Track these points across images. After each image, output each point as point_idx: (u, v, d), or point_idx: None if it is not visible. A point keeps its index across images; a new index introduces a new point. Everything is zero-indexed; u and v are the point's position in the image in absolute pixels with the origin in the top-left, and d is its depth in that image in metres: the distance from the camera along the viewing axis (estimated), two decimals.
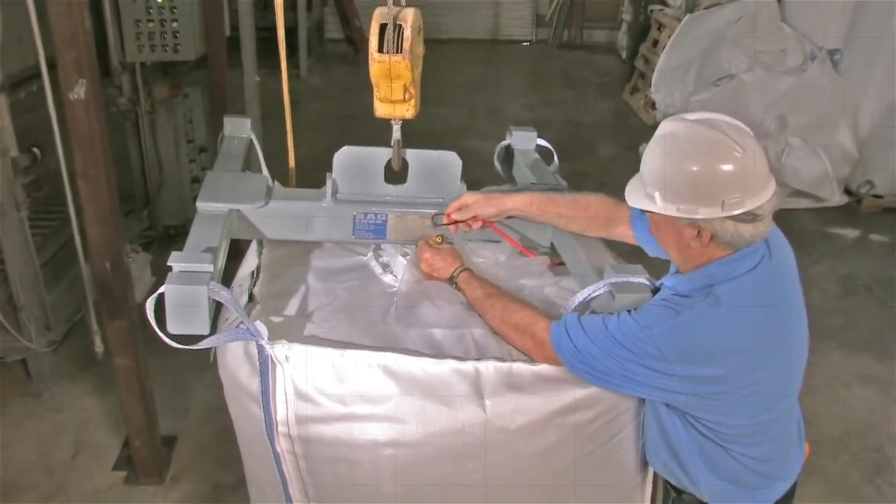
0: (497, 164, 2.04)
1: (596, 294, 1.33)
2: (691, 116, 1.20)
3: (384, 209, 1.66)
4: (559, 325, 1.27)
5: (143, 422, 2.10)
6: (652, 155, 1.22)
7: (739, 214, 1.16)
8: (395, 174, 1.64)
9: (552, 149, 1.99)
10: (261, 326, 1.29)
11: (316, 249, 1.69)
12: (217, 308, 1.36)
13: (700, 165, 1.16)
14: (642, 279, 1.33)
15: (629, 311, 1.24)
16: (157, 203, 3.19)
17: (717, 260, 1.20)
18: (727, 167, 1.15)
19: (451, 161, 1.66)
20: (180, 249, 1.34)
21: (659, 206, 1.20)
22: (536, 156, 2.01)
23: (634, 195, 1.25)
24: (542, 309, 1.44)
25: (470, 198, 1.57)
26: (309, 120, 4.51)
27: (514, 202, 1.56)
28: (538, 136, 1.98)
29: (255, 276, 1.61)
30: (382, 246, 1.73)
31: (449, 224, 1.59)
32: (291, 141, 1.83)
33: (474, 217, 1.56)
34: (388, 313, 1.49)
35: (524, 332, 1.31)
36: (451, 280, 1.51)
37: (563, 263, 1.63)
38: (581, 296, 1.34)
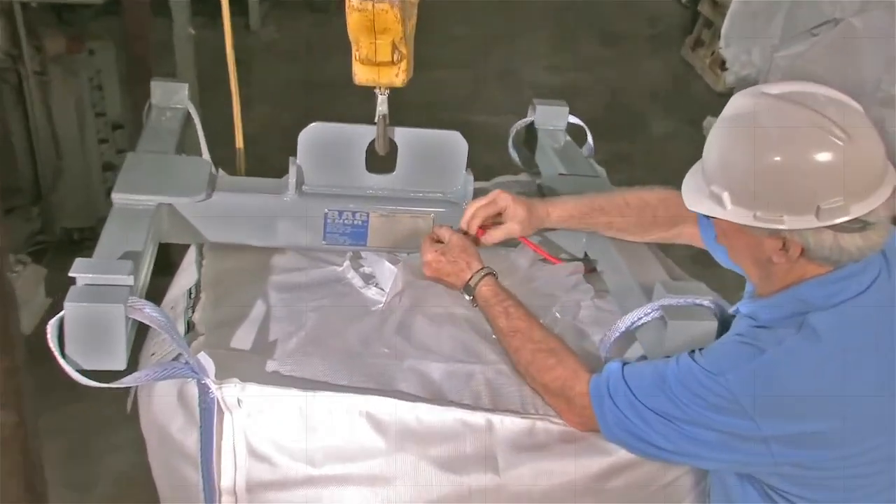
0: (512, 149, 2.10)
1: (641, 321, 1.38)
2: (773, 88, 1.20)
3: (365, 206, 1.71)
4: (599, 383, 1.30)
5: (23, 501, 2.07)
6: (718, 142, 1.23)
7: (842, 223, 1.13)
8: (380, 160, 1.70)
9: (586, 127, 2.05)
10: (205, 359, 1.33)
11: (275, 259, 1.74)
12: (138, 337, 1.39)
13: (785, 157, 1.13)
14: (706, 302, 1.37)
15: (692, 351, 1.26)
16: (52, 198, 3.12)
17: (812, 279, 1.18)
18: (824, 159, 1.11)
19: (453, 143, 1.71)
20: (88, 257, 1.35)
21: (728, 210, 1.21)
22: (567, 137, 2.08)
23: (694, 194, 1.27)
24: (572, 342, 1.49)
25: (510, 202, 1.59)
26: (264, 87, 4.54)
27: (559, 212, 1.61)
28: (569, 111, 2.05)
29: (193, 295, 1.66)
30: (363, 253, 1.78)
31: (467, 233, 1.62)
32: (238, 114, 1.88)
33: (488, 226, 1.61)
34: (374, 341, 1.53)
35: (557, 396, 1.36)
36: (467, 291, 1.54)
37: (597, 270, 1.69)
38: (622, 325, 1.39)
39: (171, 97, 1.92)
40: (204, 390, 1.32)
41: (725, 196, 1.21)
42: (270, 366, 1.45)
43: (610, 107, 4.80)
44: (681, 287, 1.41)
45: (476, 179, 1.77)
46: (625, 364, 1.31)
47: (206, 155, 1.89)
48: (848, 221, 1.13)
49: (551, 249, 1.72)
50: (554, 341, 1.43)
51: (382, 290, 1.66)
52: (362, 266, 1.75)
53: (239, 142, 1.89)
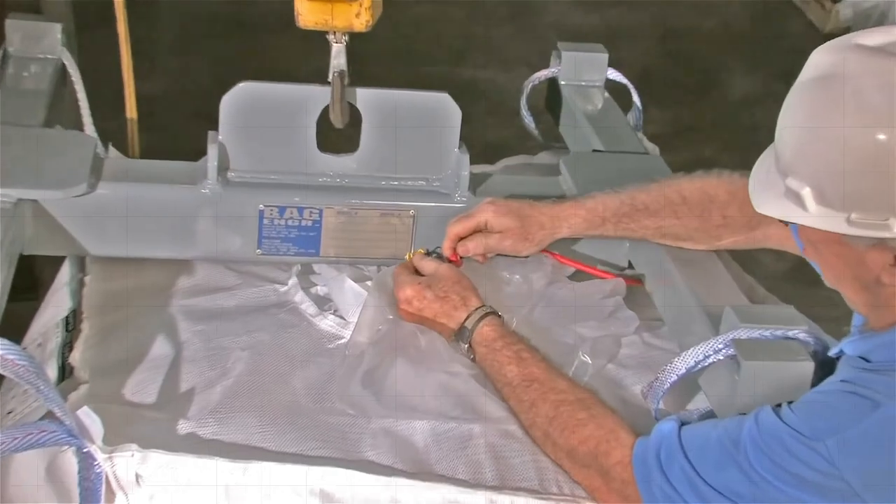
0: (525, 114, 2.13)
1: (706, 363, 1.40)
2: (872, 38, 1.22)
3: (317, 199, 1.73)
4: (647, 450, 1.32)
5: None
6: (795, 116, 1.25)
7: None
8: (338, 135, 1.73)
9: (631, 86, 2.08)
10: (88, 418, 1.36)
11: (189, 275, 1.76)
12: None
13: (892, 136, 1.15)
14: (799, 334, 1.39)
15: (777, 405, 1.28)
16: None
17: None
18: None
19: (440, 110, 1.74)
20: None
21: (812, 212, 1.23)
22: (605, 96, 2.11)
23: (765, 191, 1.30)
24: (608, 395, 1.51)
25: (490, 214, 1.65)
26: (170, 28, 4.53)
27: (573, 221, 1.65)
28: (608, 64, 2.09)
29: (71, 327, 1.68)
30: (315, 268, 1.80)
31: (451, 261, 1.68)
32: (130, 68, 1.91)
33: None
34: (331, 391, 1.55)
35: (588, 466, 1.38)
36: (461, 337, 1.58)
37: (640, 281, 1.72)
38: (679, 367, 1.40)
39: (37, 43, 1.94)
40: (87, 462, 1.33)
41: (807, 193, 1.23)
42: (184, 426, 1.47)
43: (667, 57, 4.83)
44: (761, 313, 1.43)
45: (475, 161, 1.80)
46: (682, 424, 1.33)
47: (89, 128, 1.91)
48: None
49: (583, 259, 1.76)
50: (584, 392, 1.46)
51: (343, 319, 1.68)
52: (315, 285, 1.77)
53: (131, 109, 1.92)
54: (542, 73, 2.11)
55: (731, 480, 1.25)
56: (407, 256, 1.72)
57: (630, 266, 1.77)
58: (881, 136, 1.17)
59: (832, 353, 1.35)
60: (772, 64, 4.81)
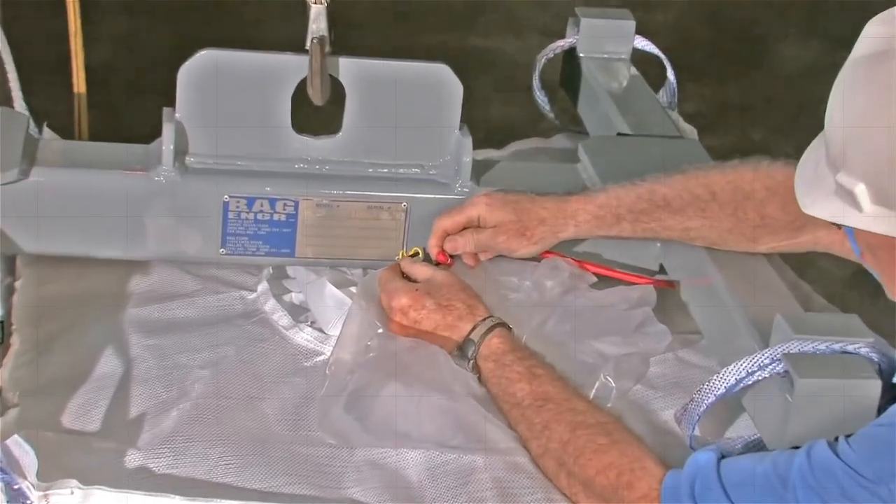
0: (538, 91, 2.15)
1: (752, 380, 1.40)
2: None
3: (292, 189, 1.74)
4: (679, 485, 1.32)
5: None
6: (847, 98, 1.26)
7: None
8: (317, 113, 1.75)
9: (664, 57, 2.10)
10: (19, 448, 1.36)
11: (140, 279, 1.77)
12: None
13: None
14: (863, 348, 1.39)
15: (834, 439, 1.27)
16: None
17: None
18: None
19: (438, 84, 1.75)
20: None
21: (867, 212, 1.24)
22: (633, 71, 2.13)
23: (813, 188, 1.31)
24: (634, 422, 1.51)
25: (483, 207, 1.67)
26: None
27: (580, 218, 1.66)
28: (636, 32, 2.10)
29: (0, 341, 1.68)
30: (290, 271, 1.81)
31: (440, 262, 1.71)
32: (77, 31, 1.93)
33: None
34: (308, 416, 1.56)
35: (607, 500, 1.38)
36: (466, 351, 1.59)
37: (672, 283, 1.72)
38: (719, 386, 1.41)
39: None
40: (17, 500, 1.33)
41: (861, 191, 1.24)
42: (133, 458, 1.47)
43: (708, 22, 4.83)
44: (818, 323, 1.43)
45: (480, 146, 1.82)
46: (722, 456, 1.34)
47: (19, 104, 1.93)
48: None
49: (606, 263, 1.78)
50: (606, 415, 1.47)
51: (323, 332, 1.70)
52: (289, 292, 1.78)
53: (79, 83, 1.93)
54: (558, 44, 2.11)
55: None
56: (399, 255, 1.73)
57: (662, 270, 1.78)
58: None
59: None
60: (833, 29, 4.80)
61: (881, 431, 1.26)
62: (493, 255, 1.73)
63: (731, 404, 1.47)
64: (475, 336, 1.59)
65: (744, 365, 1.40)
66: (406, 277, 1.68)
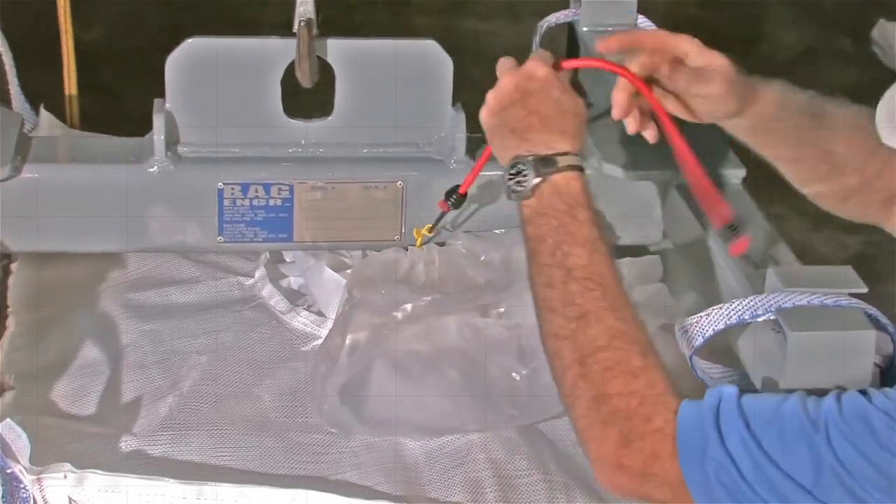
0: None
1: (741, 319, 1.37)
2: None
3: (287, 173, 1.73)
4: (700, 411, 1.24)
5: None
6: None
7: None
8: (307, 96, 1.72)
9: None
10: (12, 432, 1.35)
11: (136, 265, 1.76)
12: None
13: None
14: (855, 301, 1.37)
15: (862, 391, 1.22)
16: None
17: None
18: None
19: (428, 61, 1.74)
20: None
21: None
22: None
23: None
24: None
25: (693, 44, 1.43)
26: None
27: (757, 109, 1.46)
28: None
29: None
30: (287, 256, 1.80)
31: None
32: (67, 19, 1.90)
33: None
34: (304, 401, 1.55)
35: (612, 424, 1.27)
36: (540, 166, 1.35)
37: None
38: (718, 320, 1.37)
39: None
40: (10, 484, 1.32)
41: None
42: (128, 443, 1.47)
43: (704, 3, 4.80)
44: (811, 275, 1.41)
45: (478, 129, 1.78)
46: (743, 393, 1.26)
47: (17, 100, 1.90)
48: None
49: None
50: (645, 333, 1.33)
51: (321, 315, 1.68)
52: (286, 277, 1.77)
53: (69, 71, 1.90)
54: (559, 15, 2.09)
55: (802, 465, 1.19)
56: (415, 235, 1.71)
57: (666, 237, 1.77)
58: None
59: None
60: (829, 13, 4.79)
61: None
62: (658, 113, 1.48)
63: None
64: (563, 161, 1.35)
65: (744, 305, 1.37)
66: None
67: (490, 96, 1.42)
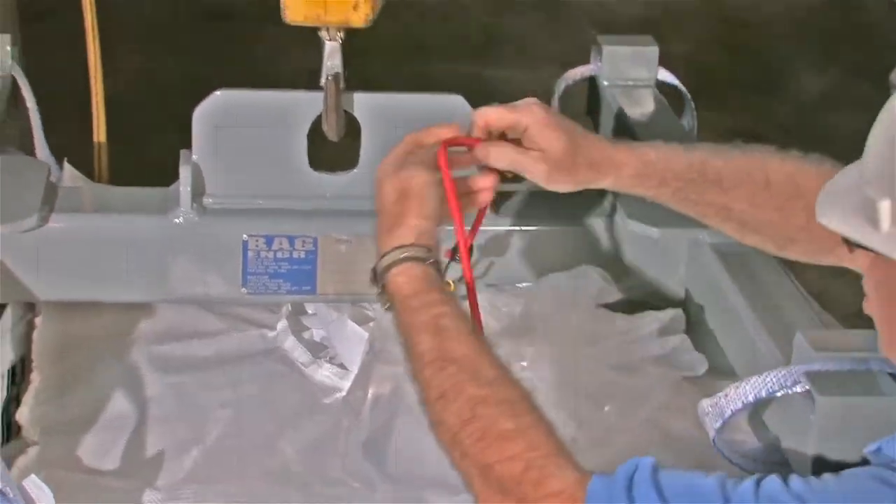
0: None
1: (771, 393, 1.38)
2: None
3: (311, 226, 1.74)
4: (611, 481, 1.20)
5: None
6: (887, 124, 1.18)
7: None
8: (333, 149, 1.73)
9: (682, 87, 2.07)
10: (37, 488, 1.33)
11: (160, 318, 1.76)
12: None
13: None
14: (885, 365, 1.37)
15: (785, 476, 1.20)
16: None
17: None
18: None
19: (452, 115, 1.70)
20: None
21: (884, 231, 1.17)
22: (657, 96, 2.10)
23: (836, 197, 1.24)
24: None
25: (538, 119, 1.46)
26: (131, 16, 4.43)
27: (624, 172, 1.50)
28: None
29: (19, 380, 1.68)
30: (309, 308, 1.79)
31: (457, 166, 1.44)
32: (98, 72, 1.91)
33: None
34: (328, 456, 1.54)
35: (506, 492, 1.23)
36: (373, 278, 1.39)
37: None
38: (748, 393, 1.38)
39: None
40: None
41: (885, 207, 1.17)
42: (152, 499, 1.47)
43: (724, 50, 4.84)
44: (838, 339, 1.41)
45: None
46: (657, 467, 1.22)
47: (42, 152, 1.91)
48: None
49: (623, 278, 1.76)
50: (515, 390, 1.30)
51: (343, 368, 1.68)
52: (308, 329, 1.76)
53: (99, 132, 1.91)
54: (579, 71, 2.10)
55: None
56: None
57: (688, 295, 1.77)
58: None
59: (866, 451, 1.26)
60: (849, 57, 4.80)
61: (838, 477, 1.19)
62: (497, 180, 1.50)
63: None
64: (385, 261, 1.37)
65: (773, 377, 1.37)
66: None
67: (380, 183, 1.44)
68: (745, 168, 1.54)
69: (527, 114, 1.49)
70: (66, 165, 1.93)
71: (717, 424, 1.41)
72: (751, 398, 1.38)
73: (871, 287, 1.22)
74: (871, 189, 1.17)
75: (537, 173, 1.49)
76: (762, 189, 1.52)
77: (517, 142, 1.49)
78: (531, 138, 1.48)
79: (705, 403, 1.42)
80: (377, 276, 1.38)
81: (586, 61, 2.11)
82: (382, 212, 1.41)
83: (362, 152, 1.74)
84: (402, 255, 1.36)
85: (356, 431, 1.57)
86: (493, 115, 1.49)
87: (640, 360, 1.69)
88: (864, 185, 1.18)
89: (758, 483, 1.17)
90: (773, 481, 1.17)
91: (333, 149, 1.72)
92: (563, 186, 1.51)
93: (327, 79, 1.64)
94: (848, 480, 1.17)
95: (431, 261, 1.38)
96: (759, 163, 1.54)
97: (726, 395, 1.40)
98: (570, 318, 1.71)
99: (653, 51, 2.08)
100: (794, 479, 1.17)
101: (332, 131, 1.68)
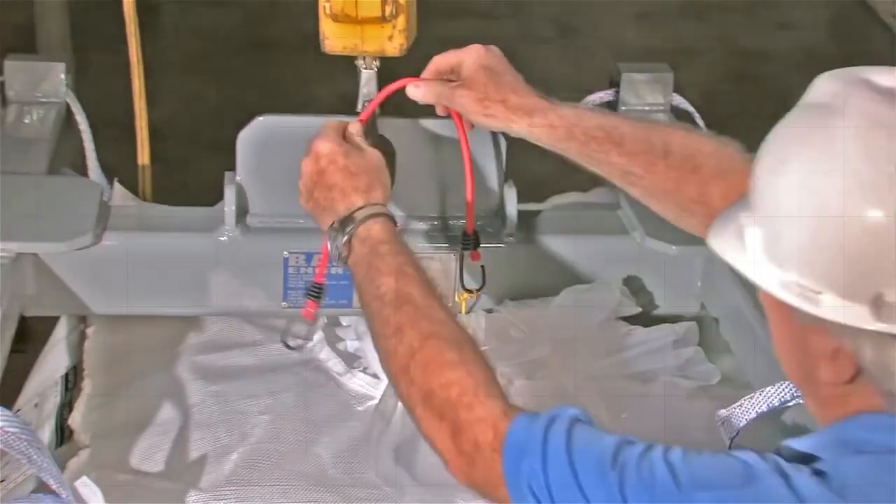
0: None
1: (793, 402, 1.40)
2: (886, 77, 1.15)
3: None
4: (533, 423, 1.23)
5: None
6: (772, 141, 1.19)
7: None
8: None
9: (695, 112, 2.11)
10: (88, 489, 1.37)
11: (203, 330, 1.81)
12: None
13: (847, 193, 1.09)
14: None
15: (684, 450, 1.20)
16: None
17: (869, 414, 1.16)
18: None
19: (482, 140, 1.77)
20: None
21: (753, 258, 1.17)
22: (672, 120, 2.11)
23: (724, 217, 1.24)
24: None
25: (471, 57, 1.58)
26: (175, 47, 4.53)
27: (536, 120, 1.56)
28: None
29: (71, 386, 1.73)
30: (344, 321, 1.83)
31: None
32: (142, 112, 1.95)
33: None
34: (361, 459, 1.58)
35: (441, 417, 1.28)
36: (343, 226, 1.48)
37: None
38: (761, 403, 1.41)
39: (39, 84, 2.00)
40: None
41: (752, 234, 1.17)
42: (195, 499, 1.50)
43: (735, 79, 4.85)
44: None
45: (520, 199, 1.83)
46: (577, 420, 1.25)
47: (95, 173, 1.96)
48: None
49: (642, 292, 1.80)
50: (463, 332, 1.37)
51: (376, 377, 1.71)
52: (343, 340, 1.80)
53: (143, 154, 1.94)
54: (598, 96, 2.12)
55: (597, 495, 1.17)
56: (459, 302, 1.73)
57: (703, 308, 1.79)
58: (832, 189, 1.11)
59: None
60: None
61: (711, 454, 1.20)
62: (451, 108, 1.63)
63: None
64: (359, 215, 1.48)
65: (785, 387, 1.40)
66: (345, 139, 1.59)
67: (300, 184, 1.55)
68: (648, 136, 1.56)
69: (468, 52, 1.60)
70: (116, 185, 1.98)
71: (733, 434, 1.44)
72: (764, 408, 1.41)
73: (761, 298, 1.24)
74: (747, 213, 1.19)
75: (457, 98, 1.58)
76: (660, 158, 1.54)
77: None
78: (463, 73, 1.59)
79: (721, 413, 1.46)
80: (346, 223, 1.47)
81: (604, 88, 2.15)
82: (351, 176, 1.50)
83: (398, 174, 1.76)
84: (379, 210, 1.48)
85: (387, 437, 1.59)
86: (439, 58, 1.61)
87: (655, 370, 1.72)
88: (742, 211, 1.20)
89: (647, 447, 1.18)
90: (657, 449, 1.18)
91: None
92: (477, 119, 1.59)
93: (363, 104, 1.67)
94: (716, 461, 1.18)
95: (393, 218, 1.49)
96: (663, 133, 1.57)
97: (741, 406, 1.43)
98: (590, 330, 1.74)
99: (668, 77, 2.12)
100: (675, 451, 1.17)
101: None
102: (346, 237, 1.47)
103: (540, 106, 1.58)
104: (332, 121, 1.58)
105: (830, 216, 1.10)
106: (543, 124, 1.57)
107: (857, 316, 1.10)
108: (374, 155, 1.55)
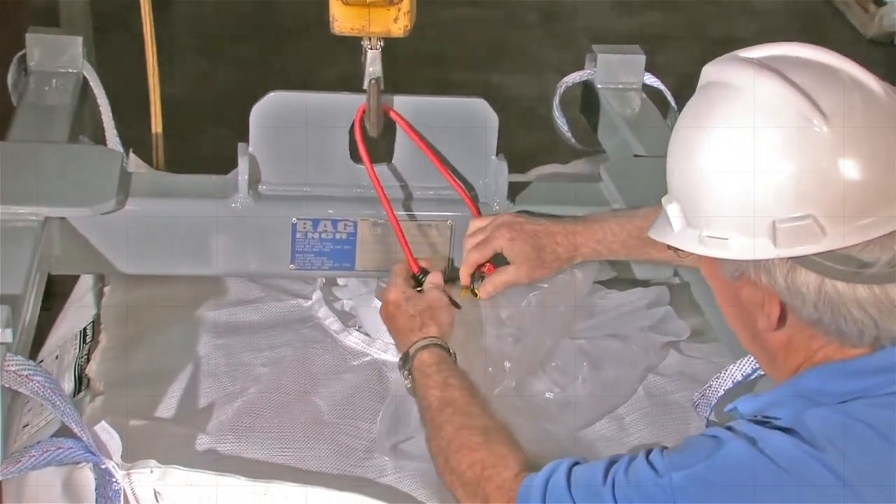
0: (558, 117, 2.15)
1: (746, 376, 1.41)
2: (755, 52, 1.23)
3: (352, 211, 1.76)
4: (533, 483, 1.28)
5: None
6: (677, 126, 1.28)
7: (819, 257, 1.14)
8: (372, 145, 1.73)
9: (667, 91, 2.10)
10: (106, 433, 1.37)
11: (211, 287, 1.79)
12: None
13: (733, 145, 1.18)
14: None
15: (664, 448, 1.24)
16: None
17: (823, 365, 1.18)
18: (787, 152, 1.14)
19: (477, 116, 1.76)
20: None
21: (675, 229, 1.25)
22: (644, 98, 2.13)
23: (658, 218, 1.32)
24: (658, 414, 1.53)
25: (506, 242, 1.65)
26: (188, 30, 4.55)
27: (585, 251, 1.65)
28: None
29: (90, 339, 1.71)
30: (340, 281, 1.82)
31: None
32: (155, 85, 1.93)
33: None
34: (355, 408, 1.58)
35: (473, 492, 1.37)
36: (403, 362, 1.57)
37: None
38: (735, 373, 1.41)
39: (59, 57, 1.98)
40: (104, 478, 1.35)
41: (674, 209, 1.25)
42: (203, 442, 1.50)
43: (705, 62, 4.84)
44: None
45: (512, 167, 1.81)
46: (576, 463, 1.29)
47: (113, 142, 1.94)
48: (830, 257, 1.13)
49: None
50: (490, 420, 1.45)
51: (368, 335, 1.71)
52: (339, 300, 1.79)
53: (157, 123, 1.92)
54: (577, 75, 2.13)
55: None
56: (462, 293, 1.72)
57: (676, 274, 1.79)
58: (723, 146, 1.19)
59: (727, 409, 1.30)
60: None
61: (695, 438, 1.23)
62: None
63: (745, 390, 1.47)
64: (412, 349, 1.56)
65: (747, 361, 1.40)
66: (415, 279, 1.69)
67: (384, 307, 1.65)
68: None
69: (496, 241, 1.66)
70: (132, 154, 1.95)
71: (707, 413, 1.46)
72: (730, 384, 1.42)
73: (708, 279, 1.30)
74: (667, 197, 1.28)
75: (520, 280, 1.67)
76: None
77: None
78: (508, 255, 1.66)
79: (695, 397, 1.50)
80: (406, 360, 1.56)
81: (583, 68, 2.16)
82: (410, 318, 1.59)
83: (397, 147, 1.76)
84: (430, 342, 1.56)
85: (380, 388, 1.60)
86: (477, 257, 1.68)
87: (631, 329, 1.72)
88: (669, 192, 1.29)
89: (630, 459, 1.23)
90: (642, 455, 1.23)
91: (372, 144, 1.72)
92: (542, 279, 1.69)
93: (370, 82, 1.66)
94: (688, 443, 1.22)
95: (437, 346, 1.56)
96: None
97: (710, 387, 1.45)
98: (572, 296, 1.73)
99: (640, 59, 2.13)
100: (655, 454, 1.22)
101: (373, 128, 1.70)
102: (406, 370, 1.56)
103: (579, 239, 1.67)
104: (400, 266, 1.69)
105: (722, 171, 1.18)
106: (590, 253, 1.67)
107: (760, 248, 1.15)
108: (437, 295, 1.64)
